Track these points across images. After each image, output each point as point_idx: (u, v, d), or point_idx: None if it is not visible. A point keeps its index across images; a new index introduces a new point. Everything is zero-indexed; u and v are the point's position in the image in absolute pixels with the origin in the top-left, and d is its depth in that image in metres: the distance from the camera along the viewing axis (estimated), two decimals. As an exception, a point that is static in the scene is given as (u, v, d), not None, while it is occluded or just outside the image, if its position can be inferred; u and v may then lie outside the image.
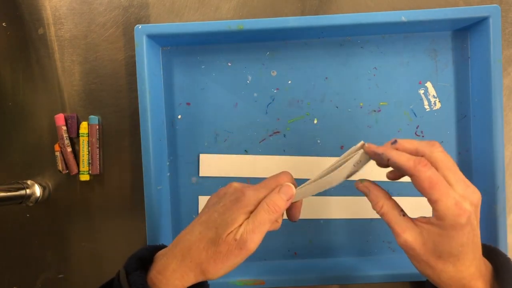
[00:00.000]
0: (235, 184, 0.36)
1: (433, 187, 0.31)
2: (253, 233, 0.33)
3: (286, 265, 0.48)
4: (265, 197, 0.35)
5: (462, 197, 0.31)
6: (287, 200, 0.35)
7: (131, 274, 0.34)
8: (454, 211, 0.30)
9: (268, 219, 0.34)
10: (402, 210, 0.34)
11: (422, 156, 0.32)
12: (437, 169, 0.31)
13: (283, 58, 0.48)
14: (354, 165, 0.35)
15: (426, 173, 0.31)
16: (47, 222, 0.51)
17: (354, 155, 0.35)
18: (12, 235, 0.51)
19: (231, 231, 0.33)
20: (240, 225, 0.34)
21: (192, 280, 0.34)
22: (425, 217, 0.33)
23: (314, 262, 0.49)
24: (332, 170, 0.36)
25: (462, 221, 0.30)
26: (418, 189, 0.32)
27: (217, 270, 0.33)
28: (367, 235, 0.49)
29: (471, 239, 0.32)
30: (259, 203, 0.35)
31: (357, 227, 0.49)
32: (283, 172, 0.37)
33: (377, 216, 0.48)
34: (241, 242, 0.33)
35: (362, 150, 0.35)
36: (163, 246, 0.38)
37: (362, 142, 0.35)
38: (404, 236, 0.32)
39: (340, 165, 0.36)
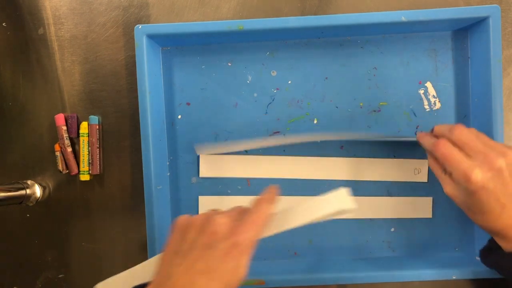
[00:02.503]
0: (223, 220, 0.34)
1: (446, 161, 0.38)
2: (245, 267, 0.33)
3: (286, 265, 0.48)
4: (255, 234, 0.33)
5: (476, 166, 0.36)
6: None
7: None
8: (462, 180, 0.37)
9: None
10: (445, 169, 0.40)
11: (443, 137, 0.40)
12: (458, 147, 0.38)
13: (283, 58, 0.48)
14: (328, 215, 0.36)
15: (439, 151, 0.38)
16: (47, 222, 0.51)
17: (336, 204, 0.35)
18: (12, 235, 0.51)
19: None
20: None
21: None
22: None
23: (314, 262, 0.49)
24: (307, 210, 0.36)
25: (472, 188, 0.36)
26: (441, 164, 0.40)
27: None
28: (367, 235, 0.49)
29: (491, 199, 0.37)
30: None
31: (357, 227, 0.49)
32: (263, 202, 0.35)
33: (377, 216, 0.48)
34: (242, 278, 0.33)
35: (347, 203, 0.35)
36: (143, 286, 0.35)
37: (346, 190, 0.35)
38: (446, 189, 0.40)
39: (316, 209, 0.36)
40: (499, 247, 0.39)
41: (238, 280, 0.33)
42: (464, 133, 0.38)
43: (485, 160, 0.36)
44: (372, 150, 0.48)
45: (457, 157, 0.37)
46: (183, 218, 0.36)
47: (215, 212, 0.36)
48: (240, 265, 0.32)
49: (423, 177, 0.48)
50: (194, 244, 0.33)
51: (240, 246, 0.32)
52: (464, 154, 0.37)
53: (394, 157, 0.48)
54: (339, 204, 0.35)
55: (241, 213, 0.35)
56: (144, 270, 0.40)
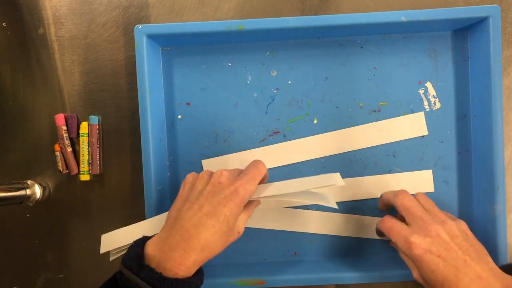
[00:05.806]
0: (226, 174, 0.39)
1: (390, 233, 0.41)
2: (244, 223, 0.41)
3: (286, 265, 0.48)
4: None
5: (414, 232, 0.39)
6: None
7: (140, 272, 0.35)
8: (404, 246, 0.39)
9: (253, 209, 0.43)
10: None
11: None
12: (401, 214, 0.41)
13: (283, 58, 0.48)
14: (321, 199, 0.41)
15: (384, 225, 0.42)
16: (47, 222, 0.51)
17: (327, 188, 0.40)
18: (12, 235, 0.51)
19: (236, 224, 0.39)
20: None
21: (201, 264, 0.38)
22: None
23: (314, 262, 0.49)
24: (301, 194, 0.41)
25: (416, 252, 0.38)
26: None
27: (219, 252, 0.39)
28: (367, 235, 0.49)
29: (440, 265, 0.37)
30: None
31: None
32: (259, 162, 0.41)
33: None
34: (241, 232, 0.41)
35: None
36: (146, 239, 0.39)
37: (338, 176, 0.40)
38: (414, 275, 0.41)
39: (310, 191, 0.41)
40: None
41: (238, 227, 0.40)
42: (406, 199, 0.41)
43: (422, 226, 0.39)
44: (372, 155, 0.48)
45: (398, 227, 0.40)
46: (191, 174, 0.42)
47: (219, 169, 0.41)
48: (239, 211, 0.38)
49: (429, 188, 0.48)
50: (201, 193, 0.39)
51: (240, 194, 0.38)
52: (404, 224, 0.41)
53: (394, 157, 0.48)
54: (329, 179, 0.39)
55: (241, 171, 0.41)
56: (149, 226, 0.43)
